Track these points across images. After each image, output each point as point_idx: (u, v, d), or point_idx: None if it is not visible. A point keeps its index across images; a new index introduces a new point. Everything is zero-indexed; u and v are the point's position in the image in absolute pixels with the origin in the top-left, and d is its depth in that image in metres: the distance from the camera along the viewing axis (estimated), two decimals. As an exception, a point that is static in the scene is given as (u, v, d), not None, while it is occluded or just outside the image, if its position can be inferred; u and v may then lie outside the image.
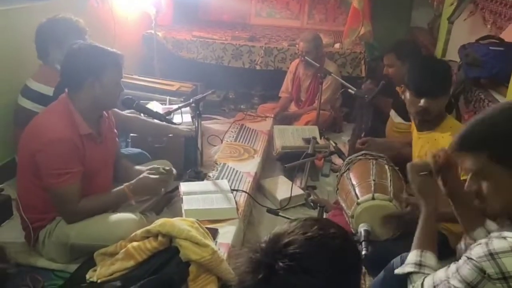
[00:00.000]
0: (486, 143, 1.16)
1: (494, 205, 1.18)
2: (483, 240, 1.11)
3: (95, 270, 1.77)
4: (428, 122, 2.08)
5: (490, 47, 2.72)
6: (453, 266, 1.17)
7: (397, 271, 1.39)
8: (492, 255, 1.05)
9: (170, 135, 2.62)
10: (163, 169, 2.08)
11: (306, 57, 3.51)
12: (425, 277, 1.27)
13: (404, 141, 2.64)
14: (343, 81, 3.24)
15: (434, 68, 2.10)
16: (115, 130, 2.16)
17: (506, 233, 1.09)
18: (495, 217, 1.24)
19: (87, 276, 1.76)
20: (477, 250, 1.10)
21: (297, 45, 3.91)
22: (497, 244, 1.07)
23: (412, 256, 1.37)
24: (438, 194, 1.48)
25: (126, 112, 2.53)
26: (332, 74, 3.28)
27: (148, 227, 1.77)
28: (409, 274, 1.34)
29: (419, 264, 1.34)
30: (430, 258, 1.35)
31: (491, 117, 1.19)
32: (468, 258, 1.10)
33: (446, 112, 2.15)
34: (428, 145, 2.05)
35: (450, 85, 2.11)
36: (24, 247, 2.02)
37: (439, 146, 1.92)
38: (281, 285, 0.84)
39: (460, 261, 1.14)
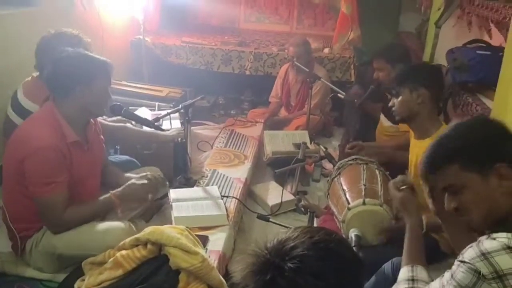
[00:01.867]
0: (453, 156, 1.19)
1: (477, 216, 1.19)
2: (473, 243, 1.12)
3: (83, 280, 1.74)
4: (422, 129, 2.09)
5: (477, 51, 2.74)
6: (447, 274, 1.17)
7: None
8: (484, 255, 1.05)
9: (159, 141, 2.59)
10: (151, 174, 2.06)
11: (296, 62, 3.52)
12: None
13: (394, 144, 2.65)
14: (332, 86, 3.25)
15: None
16: (102, 137, 2.13)
17: (494, 235, 1.09)
18: (482, 230, 1.25)
19: (75, 286, 1.73)
20: (469, 253, 1.10)
21: (286, 50, 3.91)
22: (488, 244, 1.07)
23: (404, 273, 1.38)
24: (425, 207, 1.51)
25: (113, 119, 2.51)
26: (321, 79, 3.28)
27: (137, 235, 1.75)
28: None
29: (412, 279, 1.34)
30: (421, 271, 1.35)
31: (447, 135, 1.24)
32: (461, 261, 1.10)
33: (441, 121, 2.17)
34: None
35: (404, 76, 2.15)
36: (11, 256, 1.98)
37: None
38: (287, 286, 0.83)
39: (453, 267, 1.14)
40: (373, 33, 4.40)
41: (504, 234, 1.07)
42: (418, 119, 2.10)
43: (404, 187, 1.52)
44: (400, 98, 2.13)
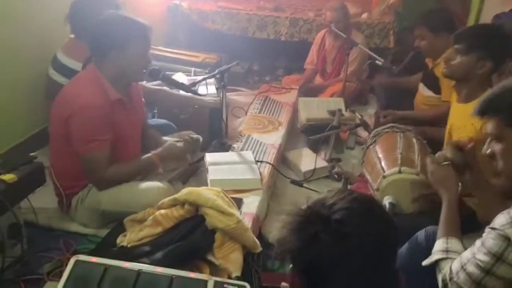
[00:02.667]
0: (497, 108, 1.27)
1: (507, 169, 1.26)
2: (505, 211, 1.11)
3: (125, 235, 1.83)
4: (469, 92, 2.02)
5: (526, 16, 2.61)
6: (477, 242, 1.17)
7: (424, 262, 1.40)
8: None
9: (196, 106, 2.64)
10: (188, 136, 2.11)
11: (333, 28, 3.44)
12: (453, 261, 1.28)
13: (433, 114, 2.57)
14: (370, 52, 3.17)
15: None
16: (143, 99, 2.18)
17: None
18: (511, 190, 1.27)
19: (118, 241, 1.83)
20: (499, 219, 1.10)
21: (323, 15, 3.82)
22: None
23: (438, 244, 1.39)
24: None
25: (152, 84, 2.55)
26: (359, 45, 3.21)
27: (175, 196, 1.81)
28: (437, 262, 1.35)
29: (446, 251, 1.35)
30: (456, 243, 1.37)
31: (505, 86, 1.29)
32: (491, 228, 1.11)
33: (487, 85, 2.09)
34: (463, 119, 2.00)
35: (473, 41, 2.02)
36: (57, 212, 2.10)
37: (472, 121, 1.88)
38: (331, 240, 0.84)
39: (484, 234, 1.15)
40: (415, -4, 4.22)
41: None
42: (469, 83, 2.02)
43: (445, 163, 1.50)
44: (464, 58, 2.02)
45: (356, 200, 0.89)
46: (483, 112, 1.31)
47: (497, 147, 1.27)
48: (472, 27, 2.19)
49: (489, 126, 1.29)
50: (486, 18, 3.17)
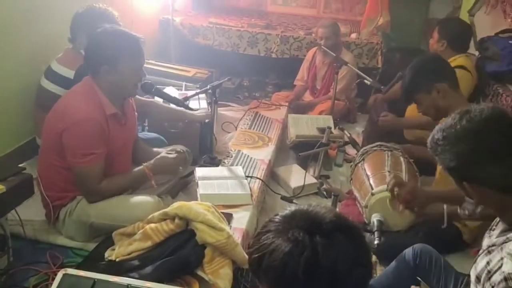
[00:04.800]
0: (436, 155, 1.23)
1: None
2: (500, 255, 1.09)
3: (113, 249, 1.82)
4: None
5: (510, 41, 2.70)
6: None
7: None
8: None
9: (186, 120, 2.65)
10: (181, 149, 2.11)
11: (322, 47, 3.50)
12: None
13: (426, 121, 2.58)
14: (359, 72, 3.24)
15: (406, 74, 2.14)
16: (136, 113, 2.19)
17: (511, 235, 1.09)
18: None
19: (106, 255, 1.81)
20: (507, 266, 1.05)
21: (313, 34, 3.89)
22: None
23: None
24: None
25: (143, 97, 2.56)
26: (348, 64, 3.27)
27: (165, 210, 1.80)
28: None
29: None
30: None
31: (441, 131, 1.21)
32: (507, 279, 1.04)
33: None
34: None
35: (413, 85, 2.09)
36: (43, 225, 2.07)
37: None
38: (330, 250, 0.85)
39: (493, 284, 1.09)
40: (402, 19, 4.33)
41: None
42: (450, 110, 2.06)
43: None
44: (422, 104, 2.08)
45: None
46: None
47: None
48: (402, 84, 2.23)
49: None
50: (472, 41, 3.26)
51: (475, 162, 1.13)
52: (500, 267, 1.07)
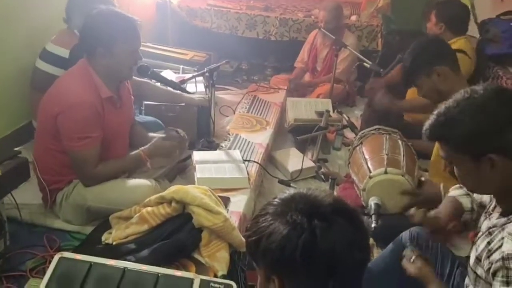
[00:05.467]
0: (444, 137, 1.19)
1: (468, 187, 1.30)
2: (500, 235, 1.10)
3: (110, 233, 1.82)
4: None
5: (511, 23, 2.66)
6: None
7: None
8: None
9: (183, 104, 2.63)
10: (177, 131, 2.10)
11: (322, 29, 3.46)
12: None
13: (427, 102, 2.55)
14: (358, 54, 3.20)
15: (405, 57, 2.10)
16: (132, 97, 2.17)
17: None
18: None
19: (103, 238, 1.81)
20: (507, 245, 1.05)
21: (312, 16, 3.84)
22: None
23: None
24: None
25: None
26: (348, 47, 3.23)
27: (162, 193, 1.80)
28: None
29: None
30: None
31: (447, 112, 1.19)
32: (505, 258, 1.05)
33: None
34: None
35: (414, 68, 2.05)
36: (40, 208, 2.07)
37: None
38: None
39: (492, 264, 1.09)
40: (403, 0, 4.26)
41: None
42: (451, 93, 2.03)
43: (413, 257, 1.49)
44: (423, 87, 2.05)
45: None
46: (432, 139, 1.26)
47: (455, 168, 1.22)
48: (403, 67, 2.18)
49: (441, 151, 1.23)
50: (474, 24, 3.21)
51: (497, 130, 1.10)
52: (500, 246, 1.08)
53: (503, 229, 1.10)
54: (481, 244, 1.18)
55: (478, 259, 1.18)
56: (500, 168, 1.10)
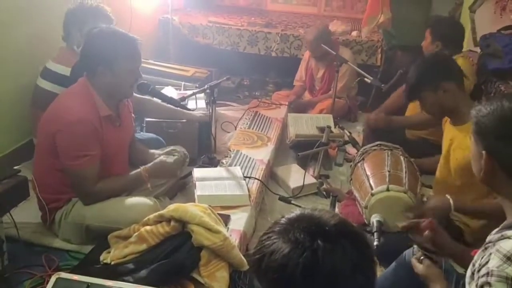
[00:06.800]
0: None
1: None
2: (489, 250, 1.09)
3: (109, 252, 1.80)
4: (458, 115, 2.02)
5: (512, 38, 2.66)
6: None
7: None
8: (510, 258, 1.03)
9: (184, 120, 2.62)
10: (178, 150, 2.09)
11: (314, 56, 3.48)
12: None
13: (427, 118, 2.53)
14: (359, 70, 3.20)
15: (411, 71, 2.09)
16: (133, 115, 2.17)
17: (507, 232, 1.08)
18: None
19: (101, 258, 1.79)
20: (493, 262, 1.06)
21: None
22: (507, 245, 1.05)
23: None
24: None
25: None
26: (348, 62, 3.23)
27: (161, 212, 1.79)
28: None
29: None
30: None
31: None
32: (489, 274, 1.05)
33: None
34: (458, 140, 2.01)
35: (419, 83, 2.03)
36: (39, 227, 2.05)
37: (468, 142, 1.90)
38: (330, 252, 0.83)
39: (480, 279, 1.09)
40: (404, 16, 4.28)
41: None
42: (454, 109, 2.03)
43: (422, 257, 1.48)
44: (427, 102, 2.04)
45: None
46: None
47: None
48: (407, 80, 2.19)
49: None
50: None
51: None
52: (487, 262, 1.08)
53: (494, 245, 1.10)
54: (478, 259, 1.17)
55: (473, 274, 1.17)
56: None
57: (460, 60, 2.60)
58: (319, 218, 0.88)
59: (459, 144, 1.98)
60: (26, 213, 2.03)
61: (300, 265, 0.81)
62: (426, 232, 1.40)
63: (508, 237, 1.06)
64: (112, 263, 1.72)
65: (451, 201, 1.79)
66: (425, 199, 1.92)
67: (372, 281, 0.89)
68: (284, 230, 0.87)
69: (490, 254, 1.08)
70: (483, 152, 1.18)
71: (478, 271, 1.11)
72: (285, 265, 0.82)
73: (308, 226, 0.86)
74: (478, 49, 2.98)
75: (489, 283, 1.05)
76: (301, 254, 0.82)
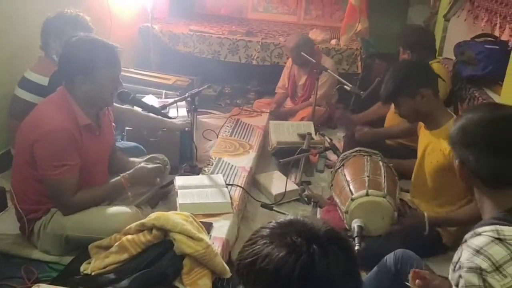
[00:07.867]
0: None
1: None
2: (462, 247, 1.13)
3: (89, 263, 1.77)
4: (433, 121, 2.08)
5: (485, 45, 2.73)
6: None
7: None
8: (478, 251, 1.07)
9: (165, 129, 2.62)
10: (158, 158, 2.08)
11: (296, 63, 3.53)
12: None
13: (405, 127, 2.58)
14: (339, 77, 3.25)
15: (389, 75, 2.15)
16: (113, 124, 2.15)
17: (478, 230, 1.11)
18: None
19: (81, 269, 1.77)
20: (464, 256, 1.10)
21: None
22: (476, 241, 1.09)
23: None
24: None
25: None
26: (328, 70, 3.28)
27: (142, 221, 1.77)
28: None
29: None
30: None
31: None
32: (461, 267, 1.09)
33: (451, 112, 2.17)
34: (432, 144, 2.06)
35: (398, 88, 2.09)
36: (18, 239, 2.01)
37: (441, 146, 1.95)
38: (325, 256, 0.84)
39: (455, 275, 1.13)
40: (381, 25, 4.38)
41: (488, 228, 1.09)
42: (429, 115, 2.09)
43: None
44: (403, 107, 2.10)
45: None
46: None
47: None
48: (383, 87, 2.20)
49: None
50: (450, 46, 3.31)
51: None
52: (459, 258, 1.12)
53: (466, 242, 1.13)
54: (455, 257, 1.21)
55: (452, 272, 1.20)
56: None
57: (435, 66, 2.67)
58: (311, 224, 0.89)
59: (433, 148, 2.04)
60: (4, 224, 2.01)
61: (297, 269, 0.82)
62: (417, 282, 1.40)
63: (479, 234, 1.10)
64: (93, 273, 1.70)
65: (426, 219, 1.86)
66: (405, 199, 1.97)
67: (360, 285, 0.91)
68: (278, 234, 0.87)
69: (462, 250, 1.12)
70: (457, 161, 1.25)
71: (453, 270, 1.14)
72: (280, 268, 0.82)
73: (303, 230, 0.87)
74: (453, 56, 3.06)
75: (460, 276, 1.08)
76: (298, 258, 0.82)
